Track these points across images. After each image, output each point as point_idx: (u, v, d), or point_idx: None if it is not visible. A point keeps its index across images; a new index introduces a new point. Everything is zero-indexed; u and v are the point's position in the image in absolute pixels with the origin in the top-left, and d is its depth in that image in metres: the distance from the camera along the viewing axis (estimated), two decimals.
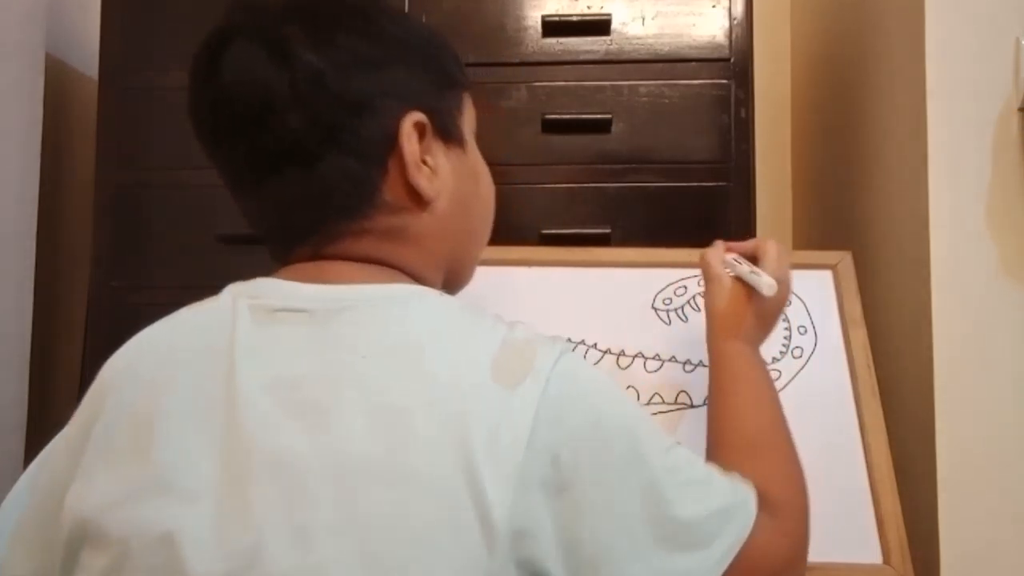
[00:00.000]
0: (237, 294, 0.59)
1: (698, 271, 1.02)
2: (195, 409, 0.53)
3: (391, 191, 0.61)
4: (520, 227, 1.16)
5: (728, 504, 0.57)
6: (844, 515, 0.87)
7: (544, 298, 1.00)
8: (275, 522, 0.48)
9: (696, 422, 0.92)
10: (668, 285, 1.01)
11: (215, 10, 0.61)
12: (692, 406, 0.93)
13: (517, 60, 1.19)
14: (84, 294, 1.25)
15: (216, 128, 0.62)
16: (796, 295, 1.00)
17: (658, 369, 0.95)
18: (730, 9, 1.18)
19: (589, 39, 1.18)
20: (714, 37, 1.18)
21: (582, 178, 1.17)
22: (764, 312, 0.78)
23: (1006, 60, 0.92)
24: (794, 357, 0.97)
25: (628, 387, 0.94)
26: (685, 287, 1.01)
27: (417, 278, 0.63)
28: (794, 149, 1.63)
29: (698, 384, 0.95)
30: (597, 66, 1.18)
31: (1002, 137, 0.92)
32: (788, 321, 0.99)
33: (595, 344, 0.97)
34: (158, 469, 0.52)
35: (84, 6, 1.49)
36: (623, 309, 0.99)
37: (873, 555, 0.85)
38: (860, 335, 0.97)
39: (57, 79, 1.45)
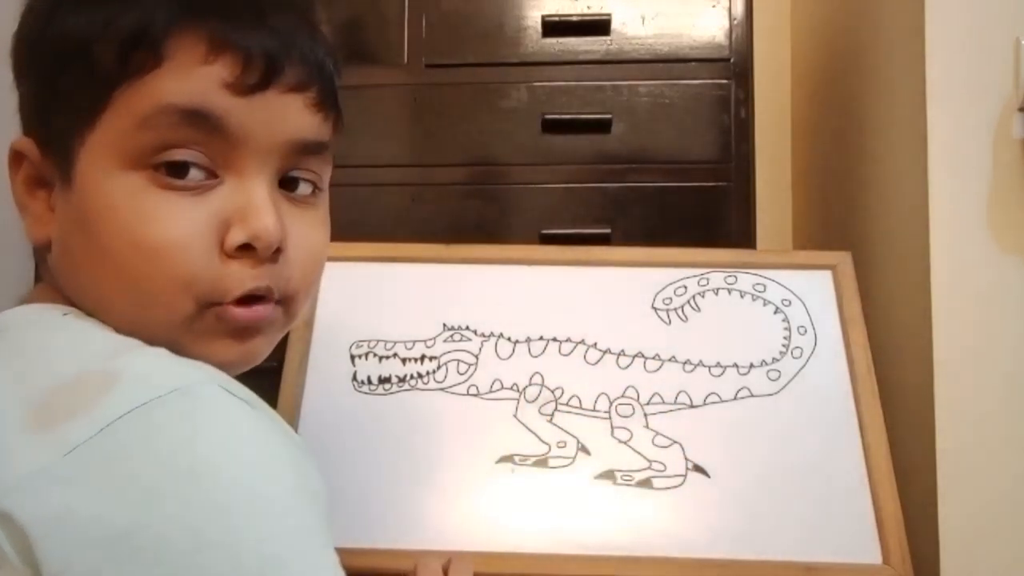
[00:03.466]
0: None
1: (698, 271, 1.02)
2: None
3: None
4: (520, 227, 1.16)
5: None
6: (844, 515, 0.87)
7: (544, 298, 1.00)
8: None
9: (696, 422, 0.93)
10: (668, 285, 1.01)
11: None
12: (692, 406, 0.93)
13: (517, 60, 1.19)
14: None
15: None
16: (796, 295, 1.00)
17: (658, 369, 0.95)
18: (730, 9, 1.18)
19: (589, 39, 1.18)
20: (714, 37, 1.18)
21: (582, 178, 1.17)
22: None
23: (1006, 60, 0.92)
24: (794, 357, 0.97)
25: (628, 387, 0.94)
26: (685, 287, 1.01)
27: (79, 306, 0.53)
28: (794, 149, 1.63)
29: (698, 384, 0.95)
30: (597, 66, 1.18)
31: (1002, 137, 0.92)
32: (788, 321, 0.99)
33: (595, 344, 0.97)
34: None
35: None
36: (623, 309, 0.99)
37: (873, 555, 0.85)
38: (860, 335, 0.97)
39: None
